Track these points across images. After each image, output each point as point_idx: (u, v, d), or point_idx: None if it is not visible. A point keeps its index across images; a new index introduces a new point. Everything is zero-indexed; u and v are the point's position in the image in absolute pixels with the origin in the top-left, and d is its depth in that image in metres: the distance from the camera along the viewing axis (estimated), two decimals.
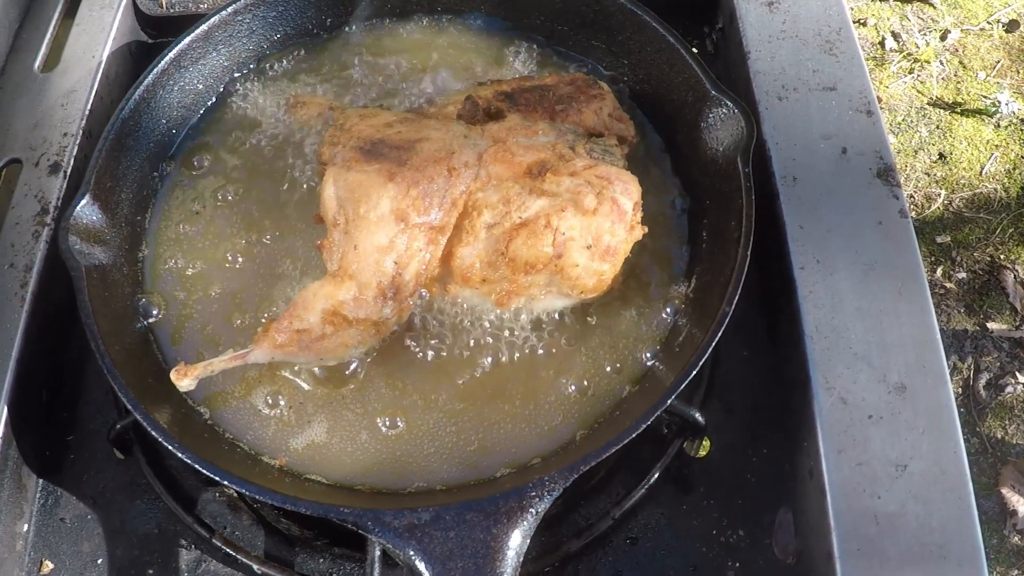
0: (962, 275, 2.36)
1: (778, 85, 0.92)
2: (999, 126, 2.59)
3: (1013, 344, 2.27)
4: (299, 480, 0.71)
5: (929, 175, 2.51)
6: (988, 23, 2.82)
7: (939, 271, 2.34)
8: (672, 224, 0.84)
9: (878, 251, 0.82)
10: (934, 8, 2.85)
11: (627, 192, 0.75)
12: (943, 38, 2.78)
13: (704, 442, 0.81)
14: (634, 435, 0.66)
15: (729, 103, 0.78)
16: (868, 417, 0.75)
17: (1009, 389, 2.18)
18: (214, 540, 0.79)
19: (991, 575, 2.03)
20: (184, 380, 0.71)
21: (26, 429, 0.81)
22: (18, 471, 0.81)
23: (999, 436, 2.13)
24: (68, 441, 0.87)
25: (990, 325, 2.28)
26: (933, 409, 0.75)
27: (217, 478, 0.65)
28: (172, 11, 1.04)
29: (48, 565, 0.83)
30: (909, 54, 2.72)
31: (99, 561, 0.82)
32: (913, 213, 2.48)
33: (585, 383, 0.76)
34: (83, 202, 0.77)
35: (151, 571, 0.81)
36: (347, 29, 0.99)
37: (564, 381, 0.76)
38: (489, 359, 0.76)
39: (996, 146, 2.55)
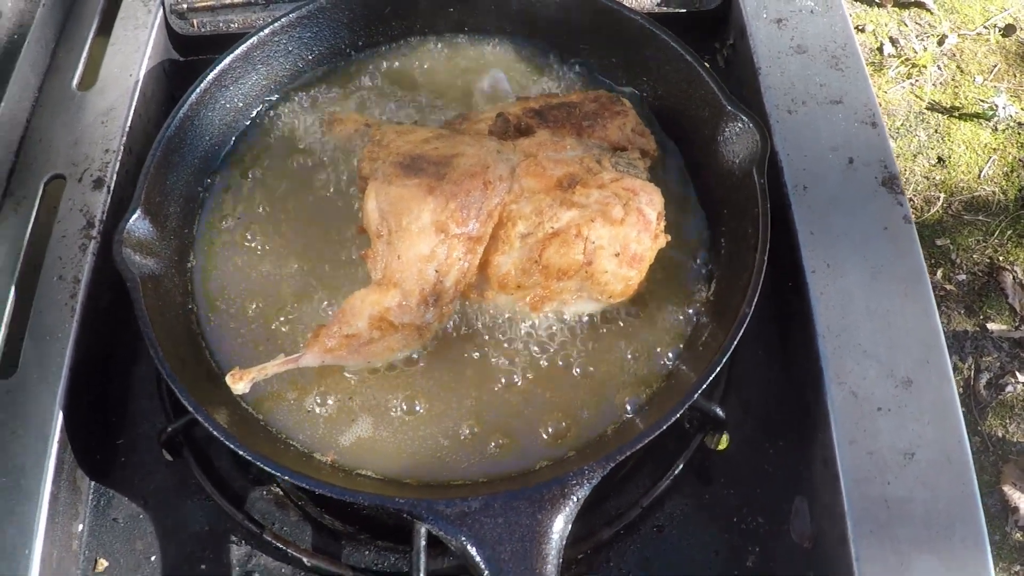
0: (962, 277, 2.46)
1: (788, 99, 1.01)
2: (996, 130, 2.70)
3: (1013, 344, 2.37)
4: (350, 475, 0.79)
5: (928, 179, 2.61)
6: (985, 28, 2.93)
7: (939, 273, 2.44)
8: (692, 232, 0.93)
9: (884, 255, 0.91)
10: (931, 13, 2.96)
11: (651, 203, 0.83)
12: (940, 43, 2.89)
13: (724, 436, 0.90)
14: (663, 428, 0.74)
15: (744, 118, 0.87)
16: (877, 410, 0.83)
17: (1009, 388, 2.27)
18: (264, 536, 0.86)
19: (995, 572, 2.12)
20: (239, 383, 0.79)
21: (79, 434, 0.89)
22: (73, 474, 0.89)
23: (1000, 434, 2.22)
24: (118, 445, 0.94)
25: (990, 326, 2.37)
26: (938, 402, 0.84)
27: (278, 474, 0.73)
28: (203, 31, 1.11)
29: (103, 563, 0.90)
30: (907, 59, 2.82)
31: (152, 558, 0.90)
32: (914, 216, 2.59)
33: (612, 382, 0.84)
34: (135, 216, 0.85)
35: (203, 567, 0.89)
36: (380, 48, 1.07)
37: (594, 380, 0.84)
38: (524, 360, 0.85)
39: (994, 149, 2.66)
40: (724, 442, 0.90)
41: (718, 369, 0.77)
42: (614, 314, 0.88)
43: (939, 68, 2.83)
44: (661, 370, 0.85)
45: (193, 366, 0.83)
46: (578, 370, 0.85)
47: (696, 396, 0.76)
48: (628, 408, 0.83)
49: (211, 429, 0.75)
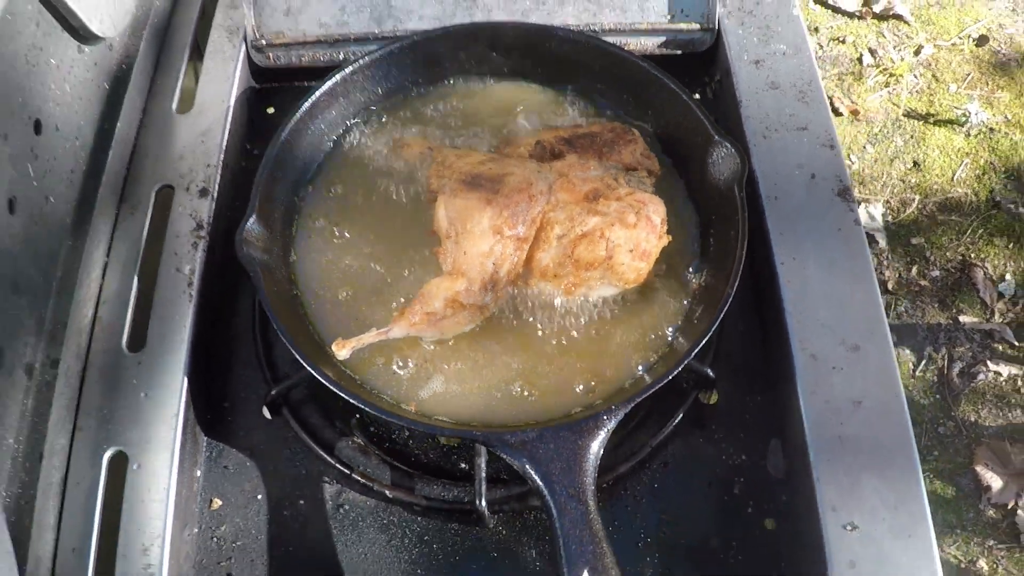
0: (936, 273, 2.85)
1: (763, 126, 1.37)
2: (969, 135, 3.11)
3: (984, 335, 2.70)
4: (430, 419, 1.13)
5: (904, 182, 3.01)
6: (960, 38, 3.35)
7: (914, 270, 2.83)
8: (688, 234, 1.28)
9: (838, 251, 1.26)
10: (909, 25, 3.36)
11: (657, 211, 1.18)
12: (917, 53, 3.30)
13: (714, 393, 1.25)
14: (666, 381, 1.09)
15: (728, 145, 1.23)
16: (832, 368, 1.18)
17: (981, 376, 2.60)
18: (353, 475, 1.19)
19: (970, 546, 2.40)
20: (343, 351, 1.13)
21: (197, 399, 1.21)
22: (194, 430, 1.21)
23: (972, 419, 2.54)
24: (224, 407, 1.27)
25: (962, 318, 2.72)
26: (879, 363, 1.19)
27: (384, 416, 1.07)
28: (278, 63, 1.46)
29: (217, 502, 1.23)
30: (885, 69, 3.23)
31: (258, 497, 1.22)
32: (889, 217, 2.98)
33: (628, 348, 1.19)
34: (251, 220, 1.18)
35: (301, 502, 1.21)
36: (434, 87, 1.43)
37: (614, 347, 1.19)
38: (560, 333, 1.19)
39: (967, 154, 3.05)
40: (714, 397, 1.26)
41: (707, 337, 1.11)
42: (629, 297, 1.23)
43: (915, 77, 3.24)
44: (664, 340, 1.21)
45: (302, 338, 1.16)
46: (601, 340, 1.20)
47: (691, 359, 1.11)
48: (640, 368, 1.18)
49: (325, 382, 1.07)
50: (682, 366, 1.10)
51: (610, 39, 1.38)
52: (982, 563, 2.35)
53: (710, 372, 1.20)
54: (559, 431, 1.04)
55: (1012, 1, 3.49)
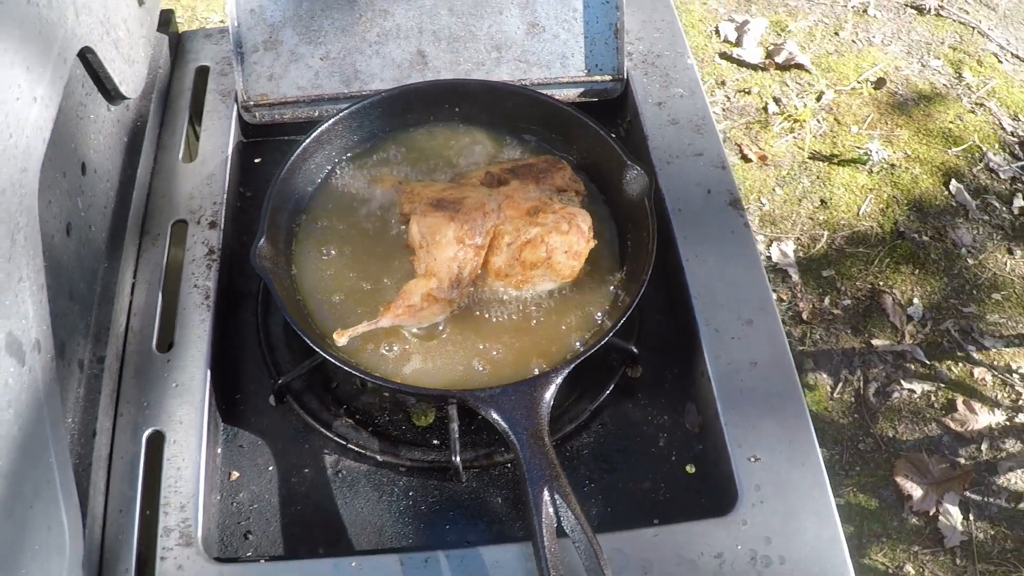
0: (847, 302, 3.24)
1: (667, 155, 1.81)
2: (872, 172, 3.53)
3: (896, 356, 3.08)
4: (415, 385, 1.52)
5: (813, 219, 3.45)
6: (858, 83, 3.83)
7: (827, 300, 3.24)
8: (610, 238, 1.69)
9: (731, 248, 1.67)
10: (810, 73, 3.85)
11: (585, 221, 1.59)
12: (819, 99, 3.78)
13: (638, 367, 1.66)
14: (596, 349, 1.47)
15: (637, 167, 1.65)
16: (732, 338, 1.55)
17: (896, 395, 2.98)
18: (349, 446, 1.54)
19: (896, 552, 2.68)
20: (341, 338, 1.50)
21: (216, 390, 1.57)
22: (215, 416, 1.55)
23: (890, 435, 2.90)
24: (237, 398, 1.63)
25: (874, 342, 3.10)
26: (769, 332, 1.57)
27: (381, 383, 1.44)
28: (263, 120, 1.86)
29: (235, 474, 1.56)
30: (789, 116, 3.68)
31: (270, 468, 1.55)
32: (801, 252, 3.38)
33: (565, 327, 1.59)
34: (262, 240, 1.54)
35: (306, 471, 1.55)
36: (401, 132, 1.83)
37: (556, 328, 1.58)
38: (513, 320, 1.59)
39: (870, 189, 3.53)
40: (639, 371, 1.67)
41: (627, 315, 1.49)
42: (565, 290, 1.61)
43: (818, 121, 3.73)
44: (595, 321, 1.60)
45: (307, 330, 1.54)
46: (546, 324, 1.60)
47: (615, 331, 1.49)
48: (577, 344, 1.56)
49: (333, 361, 1.44)
50: (609, 336, 1.47)
51: (540, 91, 1.83)
52: (909, 568, 2.66)
53: (634, 349, 1.60)
54: (519, 387, 1.42)
55: (907, 45, 4.03)
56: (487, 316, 1.60)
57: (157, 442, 1.46)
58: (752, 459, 1.44)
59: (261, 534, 1.48)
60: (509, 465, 1.54)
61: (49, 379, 1.19)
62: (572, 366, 1.44)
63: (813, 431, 1.48)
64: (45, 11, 1.26)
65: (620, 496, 1.53)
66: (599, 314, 1.61)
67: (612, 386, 1.61)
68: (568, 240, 1.56)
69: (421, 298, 1.52)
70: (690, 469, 1.56)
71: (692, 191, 1.75)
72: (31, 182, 1.17)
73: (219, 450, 1.56)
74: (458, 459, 1.46)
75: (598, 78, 1.91)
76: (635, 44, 2.02)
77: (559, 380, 1.43)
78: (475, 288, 1.60)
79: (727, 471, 1.45)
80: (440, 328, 1.58)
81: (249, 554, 1.45)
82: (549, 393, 1.41)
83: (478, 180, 1.68)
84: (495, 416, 1.39)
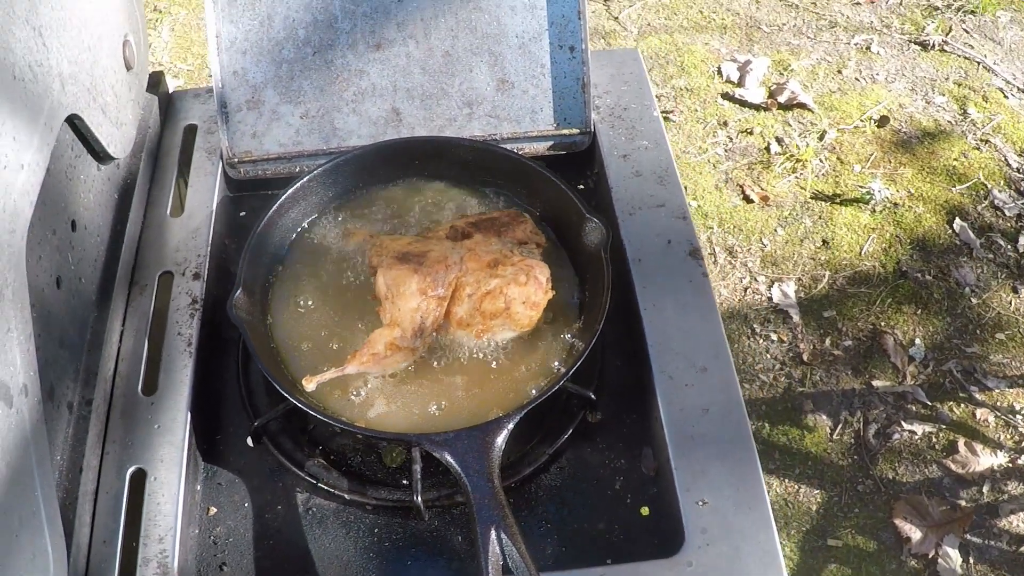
0: (848, 343, 3.33)
1: (630, 206, 1.97)
2: (874, 211, 3.61)
3: (897, 397, 3.16)
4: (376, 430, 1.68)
5: (814, 259, 3.55)
6: (861, 121, 3.93)
7: (827, 341, 3.34)
8: (569, 289, 1.85)
9: (688, 297, 1.81)
10: (812, 112, 3.95)
11: (543, 272, 1.76)
12: (821, 138, 3.87)
13: (597, 412, 1.80)
14: (548, 394, 1.61)
15: (596, 220, 1.80)
16: (686, 386, 1.67)
17: (896, 436, 3.06)
18: (319, 485, 1.69)
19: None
20: (310, 384, 1.66)
21: (196, 431, 1.74)
22: (195, 456, 1.72)
23: (890, 476, 2.97)
24: (217, 439, 1.80)
25: (875, 383, 3.19)
26: (722, 380, 1.70)
27: (344, 427, 1.61)
28: (247, 176, 2.06)
29: (213, 509, 1.72)
30: (792, 155, 3.77)
31: (246, 504, 1.70)
32: (802, 293, 3.50)
33: (522, 375, 1.75)
34: (238, 292, 1.71)
35: (279, 507, 1.70)
36: (373, 188, 2.01)
37: (513, 375, 1.74)
38: (472, 367, 1.75)
39: (872, 229, 3.62)
40: (598, 416, 1.81)
41: (580, 361, 1.62)
42: (524, 339, 1.77)
43: (821, 161, 3.83)
44: (552, 369, 1.74)
45: (279, 376, 1.70)
46: (504, 371, 1.75)
47: (567, 377, 1.62)
48: (533, 391, 1.72)
49: (303, 407, 1.60)
50: (560, 383, 1.62)
51: (509, 145, 2.00)
52: None
53: (592, 395, 1.75)
54: (472, 432, 1.57)
55: (911, 82, 4.15)
56: (449, 363, 1.76)
57: (140, 479, 1.63)
58: (700, 503, 1.57)
59: (236, 566, 1.63)
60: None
61: (36, 420, 1.36)
62: (523, 412, 1.59)
63: (762, 476, 1.60)
64: (31, 85, 1.44)
65: (575, 536, 1.67)
66: (556, 362, 1.77)
67: (571, 430, 1.75)
68: (526, 291, 1.72)
69: (385, 347, 1.69)
70: (644, 511, 1.68)
71: (653, 242, 1.90)
72: (19, 242, 1.35)
73: (199, 487, 1.72)
74: (419, 499, 1.61)
75: (566, 131, 2.08)
76: (603, 97, 2.19)
77: (510, 426, 1.57)
78: (438, 336, 1.77)
79: (675, 512, 1.58)
80: (404, 375, 1.75)
81: None
82: (501, 438, 1.56)
83: (443, 233, 1.85)
84: (448, 459, 1.54)
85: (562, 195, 1.87)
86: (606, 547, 1.65)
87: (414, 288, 1.71)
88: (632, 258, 1.88)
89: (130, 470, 1.63)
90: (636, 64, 2.26)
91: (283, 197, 1.86)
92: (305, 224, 1.97)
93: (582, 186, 2.12)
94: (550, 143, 2.09)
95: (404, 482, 1.73)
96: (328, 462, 1.75)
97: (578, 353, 1.70)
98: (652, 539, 1.65)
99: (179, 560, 1.55)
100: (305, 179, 1.90)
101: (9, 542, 1.25)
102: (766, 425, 3.14)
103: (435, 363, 1.77)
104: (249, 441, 1.77)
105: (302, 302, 1.84)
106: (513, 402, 1.71)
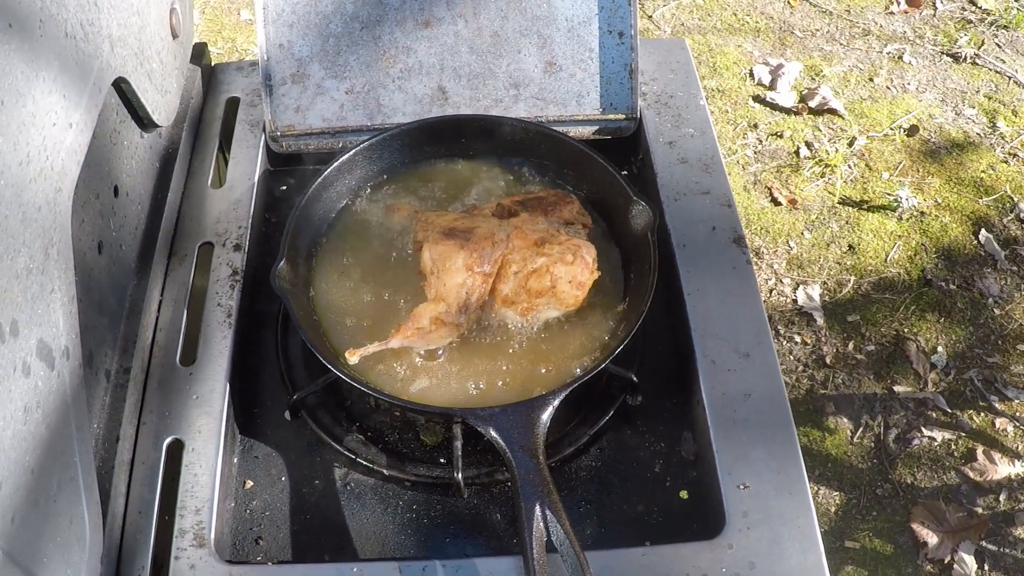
0: (871, 348, 3.32)
1: (675, 192, 1.95)
2: (901, 219, 3.62)
3: (917, 403, 3.16)
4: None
5: (840, 264, 3.55)
6: (891, 129, 3.93)
7: (851, 345, 3.33)
8: (613, 270, 1.83)
9: (732, 283, 1.80)
10: (843, 119, 3.95)
11: (589, 252, 1.74)
12: (851, 144, 3.88)
13: (638, 395, 1.79)
14: (592, 375, 1.60)
15: (643, 202, 1.79)
16: (728, 370, 1.68)
17: (916, 442, 3.05)
18: (358, 460, 1.69)
19: None
20: (353, 357, 1.64)
21: (234, 403, 1.72)
22: (233, 429, 1.70)
23: (909, 481, 2.96)
24: (255, 412, 1.78)
25: (896, 388, 3.19)
26: (765, 365, 1.69)
27: (388, 400, 1.59)
28: (289, 150, 2.04)
29: (249, 483, 1.71)
30: (821, 160, 3.78)
31: (283, 479, 1.69)
32: (827, 297, 3.48)
33: (566, 354, 1.73)
34: (282, 263, 1.70)
35: (317, 482, 1.69)
36: (419, 164, 2.00)
37: (557, 354, 1.72)
38: (516, 345, 1.73)
39: (899, 236, 3.61)
40: (639, 399, 1.79)
41: (625, 343, 1.62)
42: (569, 318, 1.75)
43: (849, 167, 3.83)
44: (594, 350, 1.74)
45: (322, 348, 1.69)
46: (548, 350, 1.74)
47: (611, 359, 1.63)
48: (577, 370, 1.70)
49: (345, 379, 1.59)
50: (605, 363, 1.60)
51: (555, 128, 1.99)
52: None
53: (634, 377, 1.73)
54: (517, 407, 1.55)
55: (941, 93, 4.15)
56: (492, 341, 1.74)
57: (177, 450, 1.61)
58: (741, 486, 1.55)
59: (271, 539, 1.62)
60: (509, 483, 1.67)
61: (76, 385, 1.35)
62: (569, 390, 1.57)
63: (802, 462, 1.59)
64: (82, 44, 1.43)
65: (614, 517, 1.65)
66: (599, 343, 1.75)
67: (612, 412, 1.73)
68: (572, 270, 1.70)
69: (430, 321, 1.67)
70: (684, 495, 1.68)
71: (697, 227, 1.89)
72: (65, 201, 1.33)
73: (235, 460, 1.70)
74: (460, 476, 1.60)
75: (612, 117, 2.07)
76: (649, 84, 2.17)
77: (556, 403, 1.55)
78: (482, 313, 1.74)
79: (716, 497, 1.57)
80: (447, 351, 1.72)
81: (259, 558, 1.59)
82: (546, 414, 1.54)
83: (490, 211, 1.83)
84: (493, 434, 1.52)
85: (611, 178, 1.85)
86: (645, 529, 1.64)
87: (460, 264, 1.69)
88: (677, 243, 1.86)
89: (167, 441, 1.62)
90: (683, 53, 2.24)
91: (328, 170, 1.84)
92: (349, 198, 1.96)
93: (626, 171, 2.10)
94: (596, 127, 2.08)
95: (441, 460, 1.70)
96: (366, 438, 1.72)
97: (623, 334, 1.68)
98: (691, 522, 1.64)
99: (215, 532, 1.53)
100: (351, 153, 1.88)
101: (47, 506, 1.23)
102: None
103: (479, 340, 1.74)
104: (287, 415, 1.75)
105: (345, 276, 1.82)
106: (556, 381, 1.69)
